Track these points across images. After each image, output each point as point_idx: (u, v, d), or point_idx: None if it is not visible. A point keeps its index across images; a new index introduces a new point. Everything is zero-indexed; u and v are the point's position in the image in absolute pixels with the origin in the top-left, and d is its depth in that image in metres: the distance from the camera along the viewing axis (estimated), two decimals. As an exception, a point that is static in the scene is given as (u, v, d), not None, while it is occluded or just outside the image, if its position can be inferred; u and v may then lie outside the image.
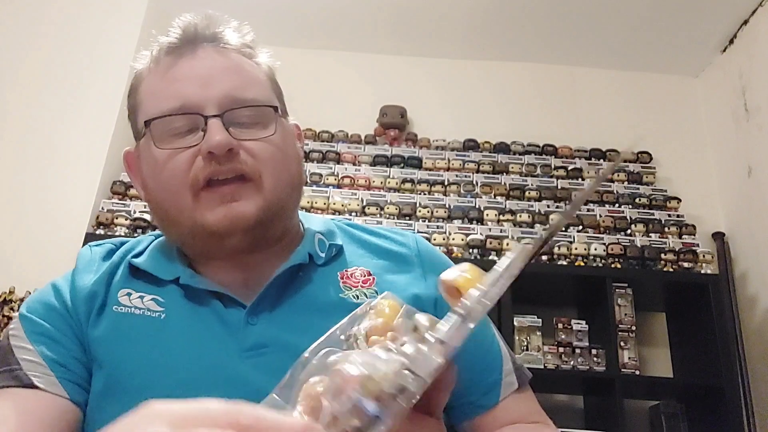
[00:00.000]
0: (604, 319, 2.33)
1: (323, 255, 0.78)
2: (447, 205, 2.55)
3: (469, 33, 2.96)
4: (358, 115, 2.93)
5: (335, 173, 2.65)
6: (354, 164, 2.73)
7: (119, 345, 0.70)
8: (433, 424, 0.47)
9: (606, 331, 2.30)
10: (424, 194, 2.60)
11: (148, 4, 2.73)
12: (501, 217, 2.51)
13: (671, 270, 2.39)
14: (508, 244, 2.40)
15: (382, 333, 0.46)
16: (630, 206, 2.60)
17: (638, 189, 2.68)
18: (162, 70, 0.74)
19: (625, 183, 2.72)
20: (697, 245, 2.46)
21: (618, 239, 2.45)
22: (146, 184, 0.76)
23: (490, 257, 2.38)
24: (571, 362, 2.27)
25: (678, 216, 2.59)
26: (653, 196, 2.64)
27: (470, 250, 2.40)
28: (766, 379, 2.35)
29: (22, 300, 2.17)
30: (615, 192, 2.66)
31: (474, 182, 2.65)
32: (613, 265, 2.39)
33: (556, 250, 2.40)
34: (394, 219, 2.48)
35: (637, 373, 2.29)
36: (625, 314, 2.35)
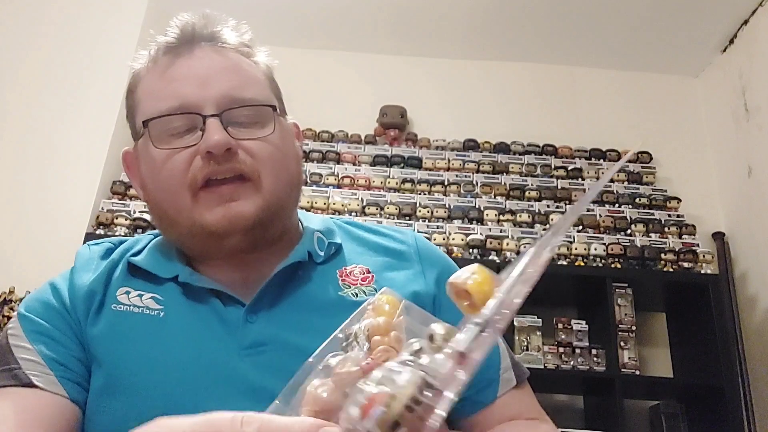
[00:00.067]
0: (604, 319, 2.33)
1: (322, 253, 0.78)
2: (447, 205, 2.55)
3: (469, 33, 2.96)
4: (358, 115, 2.93)
5: (335, 173, 2.65)
6: (354, 164, 2.73)
7: (118, 343, 0.70)
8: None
9: (606, 331, 2.30)
10: (424, 194, 2.60)
11: (147, 4, 2.74)
12: (501, 217, 2.51)
13: (671, 270, 2.39)
14: (508, 244, 2.40)
15: (385, 333, 0.46)
16: (630, 206, 2.60)
17: (638, 189, 2.68)
18: (160, 69, 0.74)
19: (625, 183, 2.72)
20: (697, 245, 2.46)
21: (618, 239, 2.45)
22: (145, 184, 0.76)
23: (490, 257, 2.38)
24: (571, 362, 2.27)
25: (678, 216, 2.59)
26: (653, 196, 2.64)
27: (470, 250, 2.40)
28: (766, 379, 2.35)
29: (21, 300, 2.17)
30: (615, 192, 2.66)
31: (474, 182, 2.65)
32: (613, 265, 2.39)
33: (556, 249, 2.39)
34: (394, 219, 2.48)
35: (637, 373, 2.29)
36: (625, 314, 2.35)
